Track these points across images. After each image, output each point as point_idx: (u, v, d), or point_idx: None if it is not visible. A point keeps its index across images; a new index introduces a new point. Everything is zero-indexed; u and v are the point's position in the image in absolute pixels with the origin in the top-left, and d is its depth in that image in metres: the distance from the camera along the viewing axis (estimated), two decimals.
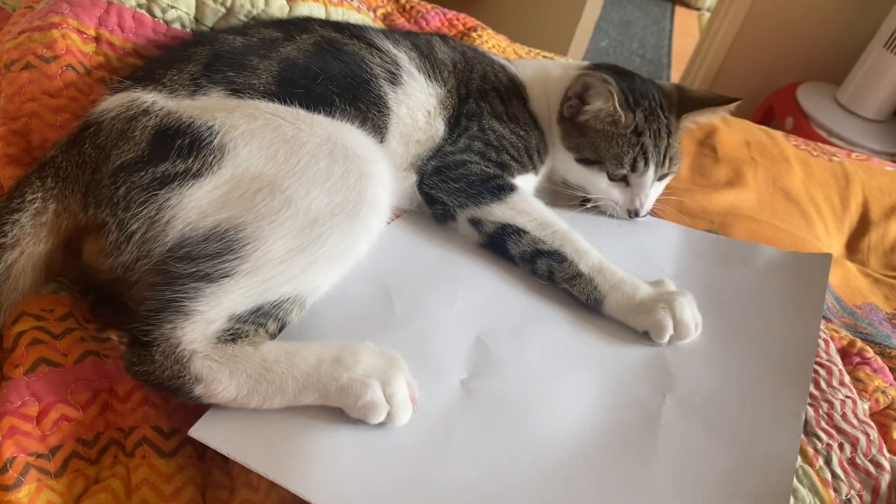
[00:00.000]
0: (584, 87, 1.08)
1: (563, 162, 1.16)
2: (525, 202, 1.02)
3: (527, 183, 1.12)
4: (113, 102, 0.85)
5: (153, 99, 0.85)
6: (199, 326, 0.73)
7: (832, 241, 1.39)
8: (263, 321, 0.77)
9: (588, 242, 0.99)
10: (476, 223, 1.02)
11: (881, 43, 2.77)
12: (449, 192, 1.03)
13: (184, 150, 0.79)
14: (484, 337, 0.87)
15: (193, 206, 0.77)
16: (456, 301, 0.92)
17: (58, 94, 0.93)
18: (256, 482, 0.73)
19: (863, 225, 1.44)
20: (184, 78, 0.89)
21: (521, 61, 1.34)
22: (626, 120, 1.08)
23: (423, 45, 1.13)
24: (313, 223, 0.78)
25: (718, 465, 0.75)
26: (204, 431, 0.71)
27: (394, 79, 1.04)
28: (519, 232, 0.99)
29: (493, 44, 1.59)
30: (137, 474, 0.73)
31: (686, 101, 1.16)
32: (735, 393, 0.84)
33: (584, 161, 1.12)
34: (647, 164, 1.10)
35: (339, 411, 0.74)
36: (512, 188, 1.04)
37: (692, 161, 1.46)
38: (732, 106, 1.15)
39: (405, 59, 1.07)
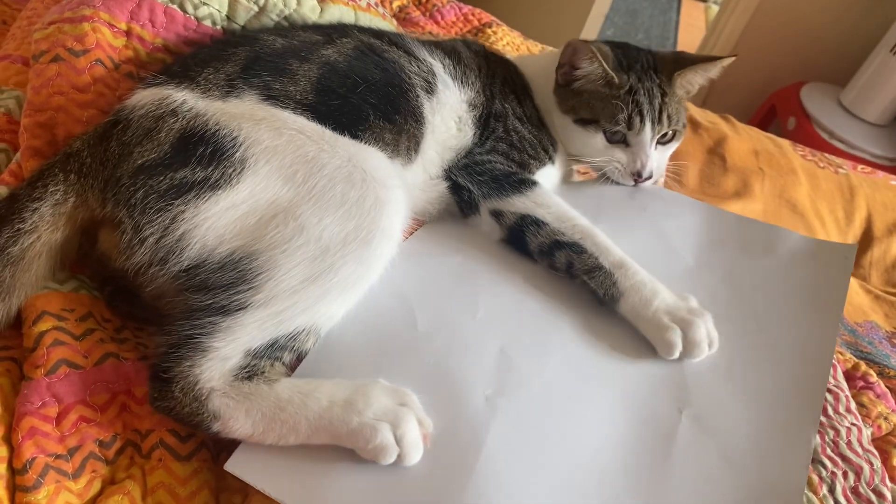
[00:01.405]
0: (573, 51, 1.10)
1: (563, 130, 1.17)
2: (545, 196, 1.04)
3: (549, 175, 1.15)
4: (144, 98, 0.85)
5: (184, 98, 0.85)
6: (216, 364, 0.74)
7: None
8: (279, 354, 0.78)
9: (612, 230, 0.99)
10: (497, 214, 1.03)
11: (888, 47, 2.77)
12: (475, 183, 1.05)
13: (205, 158, 0.80)
14: (507, 348, 0.87)
15: (209, 225, 0.77)
16: (478, 311, 0.91)
17: (86, 89, 0.93)
18: None
19: (866, 240, 1.46)
20: (219, 78, 0.88)
21: (525, 58, 1.35)
22: (619, 80, 1.10)
23: (451, 52, 1.14)
24: (325, 252, 0.78)
25: (727, 492, 0.76)
26: (238, 465, 0.72)
27: (430, 88, 1.05)
28: (538, 223, 1.00)
29: (507, 41, 1.59)
30: (153, 477, 0.74)
31: (680, 61, 1.17)
32: (748, 414, 0.84)
33: (580, 122, 1.14)
34: (642, 121, 1.11)
35: None
36: (533, 183, 1.06)
37: (701, 170, 1.47)
38: (726, 62, 1.15)
39: (440, 67, 1.09)
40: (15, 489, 0.68)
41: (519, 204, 1.02)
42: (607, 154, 1.14)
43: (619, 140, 1.13)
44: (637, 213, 1.15)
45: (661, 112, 1.12)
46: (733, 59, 1.14)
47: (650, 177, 1.15)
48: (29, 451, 0.70)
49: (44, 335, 0.77)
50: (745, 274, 1.04)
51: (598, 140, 1.13)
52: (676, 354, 0.88)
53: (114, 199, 0.78)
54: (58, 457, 0.71)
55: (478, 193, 1.04)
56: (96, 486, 0.73)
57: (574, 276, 0.96)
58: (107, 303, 0.87)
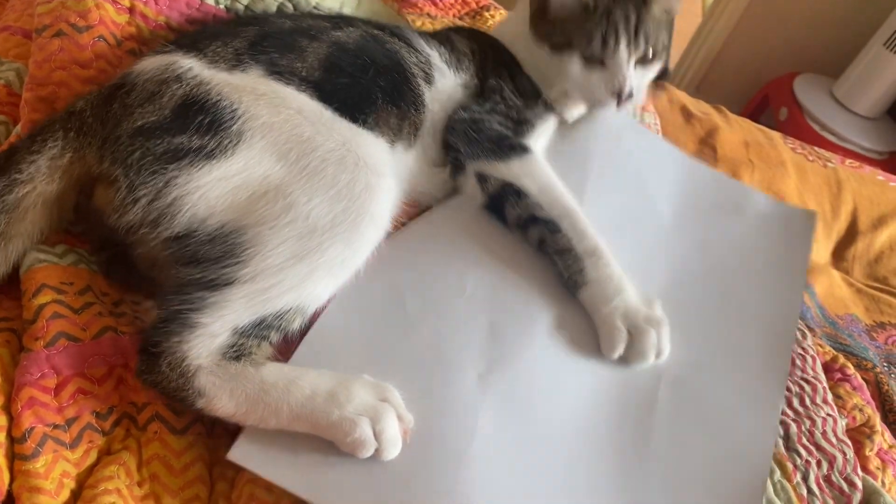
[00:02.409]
0: None
1: (542, 68, 1.16)
2: (534, 165, 1.03)
3: (550, 127, 1.16)
4: (152, 64, 0.86)
5: (190, 65, 0.85)
6: (204, 340, 0.75)
7: (820, 248, 1.42)
8: (266, 333, 0.79)
9: (599, 178, 1.02)
10: (482, 179, 1.03)
11: (881, 41, 2.78)
12: (466, 142, 1.04)
13: (202, 127, 0.80)
14: (496, 322, 0.89)
15: (201, 194, 0.78)
16: (466, 289, 0.92)
17: (88, 65, 0.93)
18: None
19: (850, 233, 1.48)
20: (227, 51, 0.89)
21: (501, 27, 1.37)
22: (593, 2, 1.09)
23: (445, 41, 1.15)
24: (312, 231, 0.79)
25: (700, 456, 0.80)
26: (241, 453, 0.73)
27: (427, 78, 1.06)
28: (519, 194, 1.00)
29: None
30: (149, 449, 0.76)
31: None
32: (721, 379, 0.89)
33: (555, 47, 1.12)
34: (617, 41, 1.09)
35: None
36: (524, 150, 1.05)
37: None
38: None
39: (436, 56, 1.09)
40: (14, 458, 0.70)
41: (505, 170, 1.02)
42: (584, 78, 1.12)
43: (596, 62, 1.11)
44: (624, 157, 1.16)
45: (637, 32, 1.11)
46: None
47: (631, 96, 1.12)
48: (28, 421, 0.71)
49: (43, 308, 0.78)
50: (716, 233, 1.08)
51: (574, 65, 1.11)
52: (615, 357, 0.90)
53: (111, 157, 0.80)
54: (56, 427, 0.73)
55: (466, 153, 1.04)
56: (93, 456, 0.74)
57: (545, 253, 0.97)
58: (104, 271, 0.88)
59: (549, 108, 1.17)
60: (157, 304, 0.78)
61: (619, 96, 1.10)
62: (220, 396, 0.74)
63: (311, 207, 0.80)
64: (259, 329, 0.78)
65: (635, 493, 0.78)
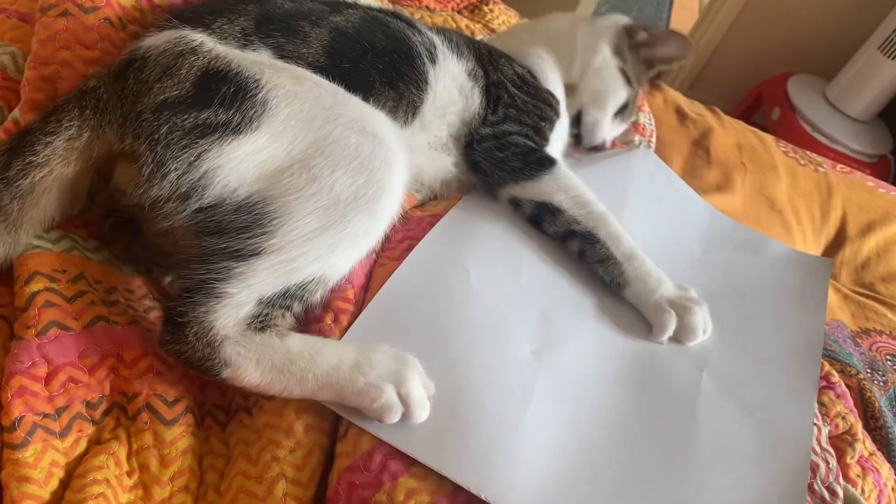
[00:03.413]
0: (667, 34, 1.32)
1: (602, 69, 1.28)
2: (564, 179, 1.07)
3: (561, 132, 1.22)
4: (160, 39, 0.85)
5: (202, 39, 0.85)
6: (230, 311, 0.75)
7: (808, 252, 1.43)
8: (290, 303, 0.80)
9: (634, 215, 1.09)
10: (516, 203, 1.07)
11: (876, 45, 2.80)
12: (492, 164, 1.08)
13: (227, 98, 0.80)
14: (548, 312, 0.95)
15: (233, 166, 0.78)
16: (521, 277, 0.98)
17: (93, 46, 0.92)
18: (255, 455, 0.76)
19: (839, 239, 1.49)
20: (235, 29, 0.89)
21: (497, 38, 1.45)
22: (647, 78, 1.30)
23: (441, 32, 1.15)
24: (337, 202, 0.80)
25: (747, 441, 0.86)
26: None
27: (432, 57, 1.06)
28: (554, 212, 1.04)
29: (503, 19, 1.59)
30: (139, 439, 0.76)
31: None
32: (758, 378, 0.95)
33: (623, 73, 1.28)
34: (632, 111, 1.31)
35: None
36: (551, 162, 1.08)
37: (686, 162, 1.49)
38: None
39: (438, 40, 1.10)
40: (3, 446, 0.70)
41: (537, 189, 1.05)
42: (605, 116, 1.29)
43: (623, 106, 1.30)
44: (656, 202, 1.26)
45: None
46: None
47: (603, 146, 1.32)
48: (18, 410, 0.71)
49: (35, 296, 0.78)
50: (743, 269, 1.17)
51: (620, 96, 1.29)
52: (668, 334, 0.97)
53: (133, 133, 0.78)
54: (46, 416, 0.72)
55: (495, 178, 1.08)
56: (82, 445, 0.74)
57: (585, 262, 1.03)
58: (107, 233, 0.88)
59: (555, 104, 1.20)
60: (181, 274, 0.78)
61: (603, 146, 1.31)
62: (246, 366, 0.75)
63: (334, 179, 0.80)
64: (283, 299, 0.79)
65: (682, 472, 0.81)
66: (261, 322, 0.77)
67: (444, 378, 0.80)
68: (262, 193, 0.78)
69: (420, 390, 0.76)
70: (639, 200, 1.21)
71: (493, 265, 0.98)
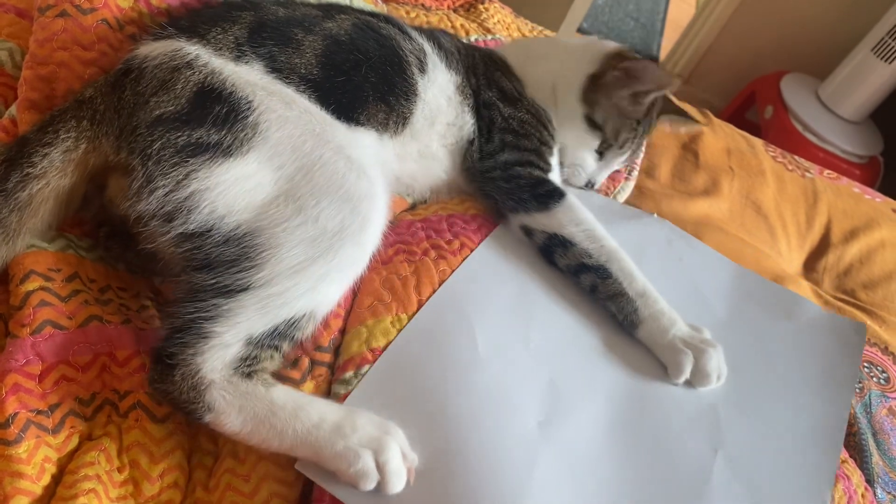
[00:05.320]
0: (640, 69, 1.13)
1: (567, 115, 1.19)
2: (574, 212, 1.06)
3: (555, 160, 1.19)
4: (156, 49, 0.86)
5: (197, 52, 0.86)
6: (217, 352, 0.75)
7: (793, 258, 1.46)
8: (279, 343, 0.79)
9: (653, 277, 1.02)
10: (528, 231, 1.07)
11: (869, 46, 2.81)
12: (501, 193, 1.09)
13: (220, 119, 0.81)
14: (556, 380, 0.92)
15: (220, 190, 0.78)
16: (531, 342, 0.95)
17: (90, 47, 0.93)
18: (243, 454, 0.78)
19: (823, 245, 1.50)
20: (228, 39, 0.89)
21: (508, 46, 1.39)
22: (644, 111, 1.17)
23: (432, 37, 1.15)
24: (323, 233, 0.80)
25: None
26: (307, 466, 0.76)
27: (421, 66, 1.06)
28: (565, 244, 1.03)
29: (498, 18, 1.60)
30: (129, 436, 0.78)
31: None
32: (774, 461, 0.92)
33: (589, 121, 1.18)
34: (628, 148, 1.20)
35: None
36: (560, 195, 1.08)
37: (674, 165, 1.51)
38: None
39: (428, 47, 1.10)
40: None
41: (548, 221, 1.05)
42: (585, 157, 1.20)
43: (603, 150, 1.20)
44: (674, 262, 1.22)
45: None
46: None
47: (592, 186, 1.25)
48: (12, 407, 0.72)
49: (30, 295, 0.79)
50: (770, 333, 1.12)
51: (591, 142, 1.19)
52: (686, 376, 0.95)
53: (128, 147, 0.79)
54: (39, 412, 0.74)
55: (506, 206, 1.08)
56: (74, 441, 0.76)
57: (597, 298, 1.01)
58: (101, 243, 0.89)
59: (547, 117, 1.19)
60: (171, 311, 0.78)
61: (593, 186, 1.24)
62: (229, 413, 0.75)
63: (321, 209, 0.81)
64: (272, 339, 0.78)
65: None
66: (248, 366, 0.77)
67: (439, 452, 0.78)
68: (251, 225, 0.79)
69: (398, 461, 0.74)
70: (656, 262, 1.16)
71: (502, 330, 0.95)
